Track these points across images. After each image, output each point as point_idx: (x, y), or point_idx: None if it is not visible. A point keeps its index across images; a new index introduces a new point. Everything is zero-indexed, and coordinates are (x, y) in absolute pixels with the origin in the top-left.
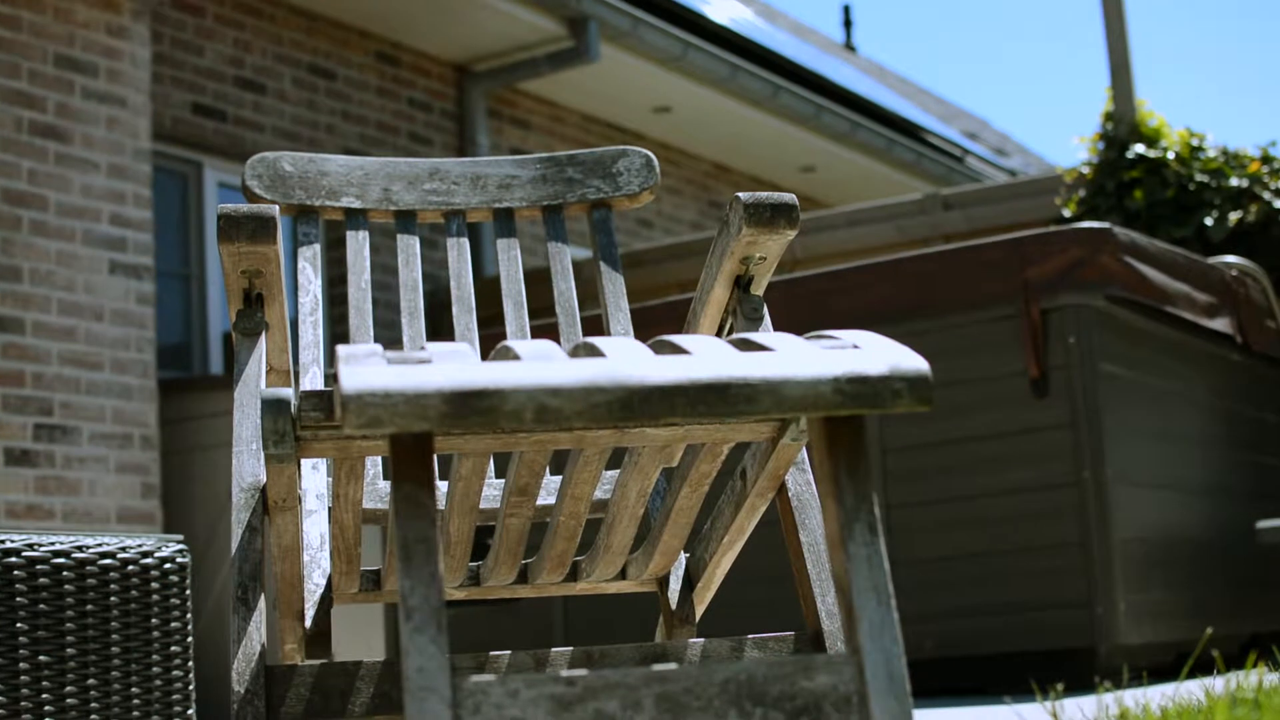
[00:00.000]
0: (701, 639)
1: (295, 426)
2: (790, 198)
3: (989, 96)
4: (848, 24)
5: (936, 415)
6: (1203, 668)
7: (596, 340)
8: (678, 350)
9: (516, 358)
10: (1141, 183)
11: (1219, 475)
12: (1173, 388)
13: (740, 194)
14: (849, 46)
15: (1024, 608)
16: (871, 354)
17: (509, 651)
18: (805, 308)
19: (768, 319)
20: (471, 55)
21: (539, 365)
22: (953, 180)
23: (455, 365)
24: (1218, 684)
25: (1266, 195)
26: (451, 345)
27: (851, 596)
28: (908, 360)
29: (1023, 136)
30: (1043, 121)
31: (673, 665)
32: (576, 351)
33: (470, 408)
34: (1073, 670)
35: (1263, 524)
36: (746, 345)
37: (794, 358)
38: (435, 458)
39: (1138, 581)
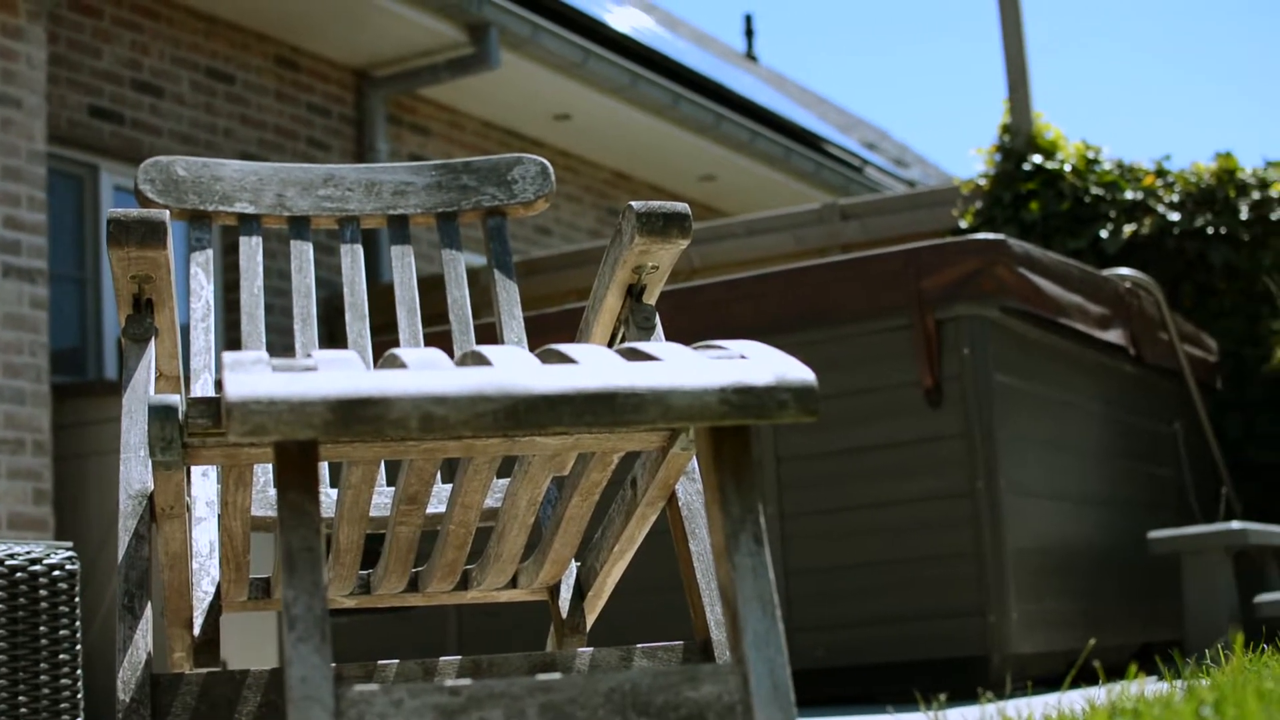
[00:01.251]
0: (591, 648)
1: (183, 433)
2: (682, 207)
3: (890, 107)
4: (749, 33)
5: (832, 425)
6: (1092, 677)
7: (484, 349)
8: (565, 359)
9: (403, 366)
10: (1038, 195)
11: (1112, 486)
12: (1066, 399)
13: (633, 203)
14: (750, 56)
15: (918, 617)
16: (758, 364)
17: (397, 660)
18: (702, 316)
19: (659, 328)
20: (371, 61)
21: (425, 374)
22: (851, 190)
23: (341, 373)
24: (1100, 694)
25: (1160, 208)
26: (338, 353)
27: (737, 606)
28: (794, 371)
29: (922, 147)
30: (943, 132)
31: (557, 675)
32: (464, 360)
33: (355, 416)
34: (966, 679)
35: (1154, 534)
36: (634, 355)
37: (681, 368)
38: (327, 465)
39: (1031, 591)
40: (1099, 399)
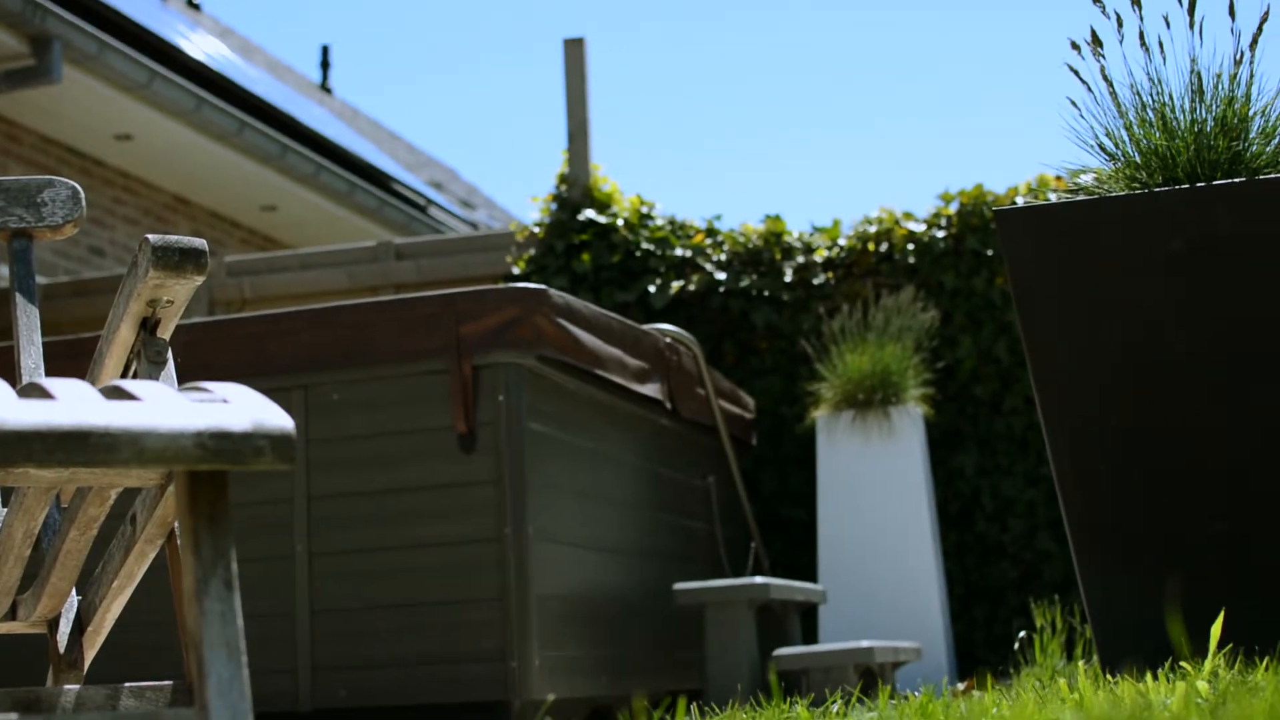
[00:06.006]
0: (78, 686)
1: None
2: (200, 243)
3: (463, 147)
4: (325, 65)
5: (366, 465)
6: None
7: None
8: (44, 394)
9: None
10: (590, 246)
11: (644, 536)
12: (601, 449)
13: (150, 235)
14: (325, 88)
15: (444, 660)
16: (237, 409)
17: None
18: (242, 350)
19: (171, 363)
20: None
21: None
22: (414, 229)
23: None
24: None
25: (708, 266)
26: None
27: (202, 651)
28: (273, 418)
29: (492, 189)
30: (515, 176)
31: (14, 715)
32: None
33: None
34: None
35: (680, 586)
36: (117, 393)
37: (159, 409)
38: None
39: (555, 638)
40: (634, 451)
